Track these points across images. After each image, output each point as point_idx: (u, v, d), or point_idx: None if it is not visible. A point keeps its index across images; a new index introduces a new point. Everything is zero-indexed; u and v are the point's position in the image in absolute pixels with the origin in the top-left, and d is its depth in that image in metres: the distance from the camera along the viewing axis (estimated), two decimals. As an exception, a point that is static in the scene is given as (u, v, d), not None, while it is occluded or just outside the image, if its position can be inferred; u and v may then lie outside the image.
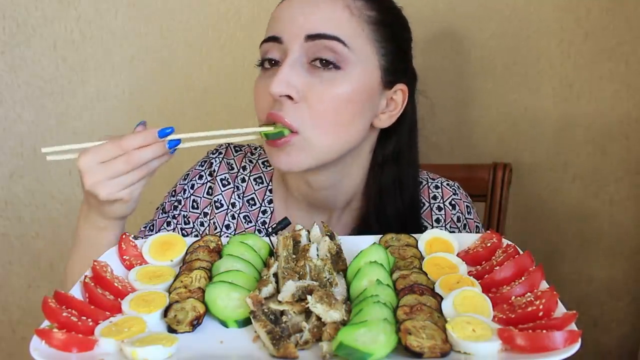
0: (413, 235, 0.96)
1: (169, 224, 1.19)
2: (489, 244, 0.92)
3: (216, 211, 1.18)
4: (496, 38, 1.50)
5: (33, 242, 1.79)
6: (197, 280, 0.85)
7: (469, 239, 0.95)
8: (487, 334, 0.71)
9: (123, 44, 1.63)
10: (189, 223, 1.19)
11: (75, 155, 0.93)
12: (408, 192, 1.14)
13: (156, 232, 1.17)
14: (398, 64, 1.09)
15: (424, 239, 0.95)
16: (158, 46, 1.63)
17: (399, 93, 1.10)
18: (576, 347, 0.68)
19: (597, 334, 1.63)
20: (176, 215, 1.19)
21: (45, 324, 0.75)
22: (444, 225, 1.17)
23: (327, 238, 0.91)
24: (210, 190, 1.19)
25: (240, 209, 1.18)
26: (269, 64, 1.06)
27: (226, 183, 1.19)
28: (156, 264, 0.93)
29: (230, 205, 1.18)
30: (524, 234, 1.58)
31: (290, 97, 1.01)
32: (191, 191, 1.19)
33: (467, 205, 1.19)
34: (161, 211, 1.21)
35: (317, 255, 0.88)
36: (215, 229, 1.18)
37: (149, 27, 1.62)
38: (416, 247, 0.94)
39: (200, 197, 1.19)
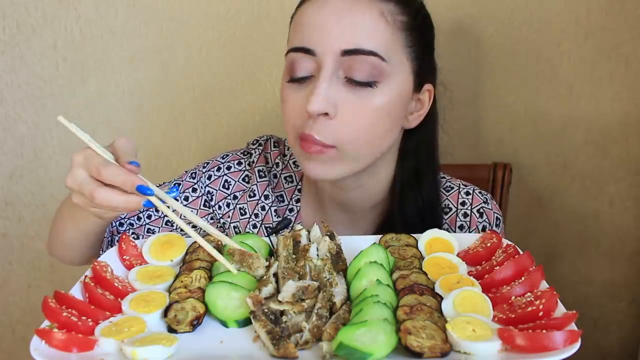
0: (413, 235, 0.96)
1: (194, 190, 1.17)
2: (489, 244, 0.92)
3: (248, 199, 1.17)
4: (496, 39, 1.50)
5: (33, 242, 1.78)
6: (197, 280, 0.85)
7: (469, 239, 0.96)
8: (487, 334, 0.71)
9: (123, 44, 1.63)
10: (212, 200, 1.18)
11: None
12: (427, 184, 1.12)
13: (181, 193, 1.17)
14: (426, 65, 1.08)
15: (424, 239, 0.95)
16: (158, 46, 1.63)
17: (426, 93, 1.09)
18: (576, 347, 0.68)
19: (597, 335, 1.63)
20: (203, 186, 1.18)
21: (45, 324, 0.75)
22: (467, 233, 1.12)
23: (327, 238, 0.91)
24: (247, 178, 1.18)
25: (272, 202, 1.17)
26: (299, 78, 1.01)
27: (262, 175, 1.18)
28: (156, 264, 0.93)
29: (262, 197, 1.17)
30: (524, 234, 1.58)
31: (326, 114, 0.98)
32: (226, 171, 1.18)
33: (497, 217, 1.15)
34: (190, 176, 1.19)
35: (317, 255, 0.88)
36: (244, 214, 1.17)
37: (149, 27, 1.62)
38: (416, 247, 0.94)
39: (235, 181, 1.18)
